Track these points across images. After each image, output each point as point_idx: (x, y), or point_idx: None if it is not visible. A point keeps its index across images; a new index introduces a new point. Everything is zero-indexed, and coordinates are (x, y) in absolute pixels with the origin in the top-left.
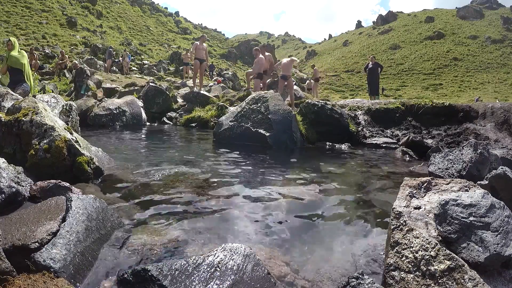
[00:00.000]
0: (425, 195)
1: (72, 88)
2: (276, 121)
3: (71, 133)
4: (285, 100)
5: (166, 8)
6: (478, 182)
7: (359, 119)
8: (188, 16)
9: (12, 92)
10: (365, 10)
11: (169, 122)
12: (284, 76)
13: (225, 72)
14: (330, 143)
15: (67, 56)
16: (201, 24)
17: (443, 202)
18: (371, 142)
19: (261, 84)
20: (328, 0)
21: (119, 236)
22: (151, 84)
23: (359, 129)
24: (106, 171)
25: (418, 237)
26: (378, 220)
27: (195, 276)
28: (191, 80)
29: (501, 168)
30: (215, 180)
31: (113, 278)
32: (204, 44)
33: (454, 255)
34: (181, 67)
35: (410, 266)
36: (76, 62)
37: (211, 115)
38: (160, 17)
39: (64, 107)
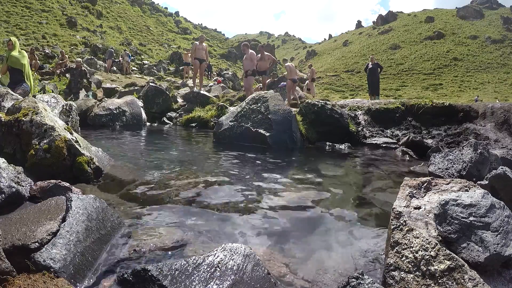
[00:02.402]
0: (425, 195)
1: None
2: (276, 121)
3: (71, 133)
4: (285, 100)
5: (166, 8)
6: (478, 182)
7: (359, 119)
8: (188, 16)
9: (12, 92)
10: (365, 10)
11: (169, 122)
12: (295, 79)
13: (225, 72)
14: (330, 143)
15: (67, 56)
16: (201, 24)
17: (443, 202)
18: (371, 142)
19: (261, 84)
20: (328, 0)
21: (119, 236)
22: (151, 84)
23: (359, 129)
24: (106, 171)
25: (418, 237)
26: (378, 220)
27: (195, 276)
28: (191, 80)
29: (501, 168)
30: (215, 180)
31: (113, 278)
32: (204, 43)
33: (454, 255)
34: (181, 67)
35: (410, 266)
36: (80, 61)
37: (211, 115)
38: (160, 17)
39: (64, 107)
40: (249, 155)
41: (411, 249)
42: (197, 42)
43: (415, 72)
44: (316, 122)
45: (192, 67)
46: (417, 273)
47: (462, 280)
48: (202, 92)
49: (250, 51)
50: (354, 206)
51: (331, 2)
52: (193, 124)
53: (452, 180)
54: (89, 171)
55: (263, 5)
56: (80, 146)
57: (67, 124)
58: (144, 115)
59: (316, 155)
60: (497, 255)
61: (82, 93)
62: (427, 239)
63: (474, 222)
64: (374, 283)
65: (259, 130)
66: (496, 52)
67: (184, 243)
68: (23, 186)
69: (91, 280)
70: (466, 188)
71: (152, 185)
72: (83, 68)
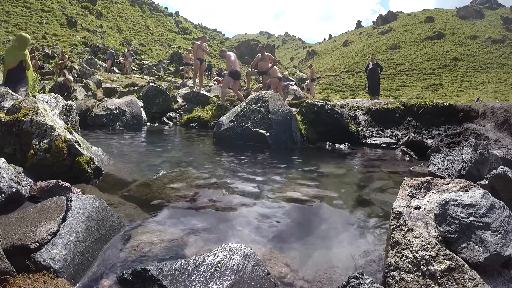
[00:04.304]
0: (425, 195)
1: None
2: (276, 121)
3: (71, 133)
4: (285, 100)
5: (166, 8)
6: (478, 182)
7: (359, 119)
8: (188, 16)
9: (12, 92)
10: (365, 10)
11: (169, 122)
12: (280, 78)
13: (225, 72)
14: (330, 143)
15: (67, 56)
16: (201, 24)
17: (443, 202)
18: (371, 142)
19: (261, 84)
20: (328, 0)
21: (119, 236)
22: (151, 84)
23: (359, 129)
24: (106, 171)
25: (418, 237)
26: (378, 220)
27: (195, 276)
28: (191, 80)
29: (501, 168)
30: (215, 180)
31: (113, 278)
32: (205, 44)
33: (454, 255)
34: (181, 67)
35: (410, 266)
36: (71, 80)
37: (211, 115)
38: (160, 17)
39: (64, 107)
40: (249, 155)
41: (411, 249)
42: (199, 42)
43: (415, 72)
44: (316, 122)
45: (192, 67)
46: (417, 273)
47: (462, 280)
48: (202, 92)
49: (227, 53)
50: (354, 206)
51: (331, 2)
52: (193, 124)
53: (452, 180)
54: (89, 171)
55: (263, 5)
56: (80, 146)
57: (67, 124)
58: (144, 115)
59: (316, 155)
60: (497, 255)
61: (82, 93)
62: (427, 239)
63: (474, 222)
64: (374, 283)
65: (259, 130)
66: (496, 52)
67: (184, 243)
68: (23, 186)
69: (91, 280)
70: (466, 188)
71: (152, 185)
72: (67, 84)
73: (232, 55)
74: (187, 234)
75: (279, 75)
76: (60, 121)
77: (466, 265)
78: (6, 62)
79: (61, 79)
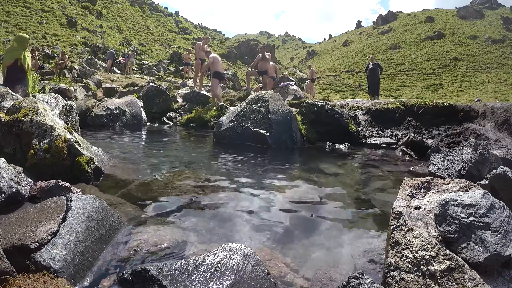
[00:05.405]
0: (425, 195)
1: None
2: (276, 121)
3: (71, 133)
4: (285, 100)
5: (166, 8)
6: (478, 182)
7: (359, 119)
8: (188, 16)
9: (12, 92)
10: (365, 10)
11: (169, 122)
12: (274, 77)
13: (225, 72)
14: (330, 143)
15: (67, 56)
16: (201, 24)
17: (443, 202)
18: (371, 142)
19: (261, 84)
20: (328, 0)
21: (119, 236)
22: (151, 84)
23: (359, 129)
24: (106, 171)
25: (418, 237)
26: (378, 220)
27: (195, 276)
28: (191, 80)
29: (501, 168)
30: (215, 180)
31: (113, 278)
32: (206, 45)
33: (454, 255)
34: (181, 67)
35: (410, 266)
36: (72, 90)
37: (211, 115)
38: (160, 17)
39: (64, 107)
40: (249, 155)
41: (411, 249)
42: (201, 42)
43: (415, 72)
44: (316, 122)
45: (192, 67)
46: (417, 273)
47: (462, 280)
48: (202, 92)
49: (212, 54)
50: (354, 206)
51: (331, 2)
52: (193, 124)
53: (452, 180)
54: (89, 171)
55: (263, 5)
56: (80, 146)
57: (67, 124)
58: (144, 115)
59: (316, 155)
60: (497, 255)
61: (82, 93)
62: (427, 239)
63: (474, 222)
64: (374, 283)
65: (259, 130)
66: (496, 52)
67: (184, 243)
68: (23, 186)
69: (91, 280)
70: (466, 188)
71: (152, 185)
72: (67, 94)
73: (211, 57)
74: (187, 234)
75: (273, 74)
76: (60, 121)
77: (466, 265)
78: (4, 61)
79: (63, 86)
